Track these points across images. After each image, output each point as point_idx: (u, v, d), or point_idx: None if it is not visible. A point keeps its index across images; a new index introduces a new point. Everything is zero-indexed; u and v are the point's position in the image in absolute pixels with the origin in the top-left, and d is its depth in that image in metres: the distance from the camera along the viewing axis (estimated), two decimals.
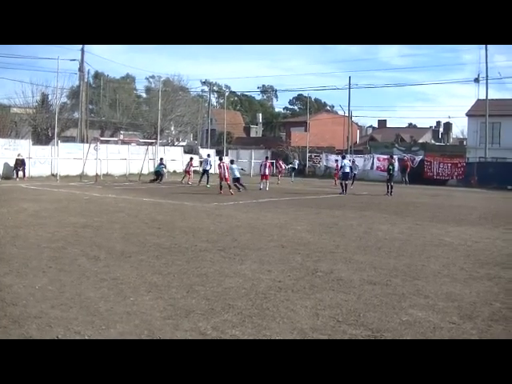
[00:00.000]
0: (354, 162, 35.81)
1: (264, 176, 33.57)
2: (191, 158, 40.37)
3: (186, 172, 38.98)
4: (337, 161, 32.50)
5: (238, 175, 30.58)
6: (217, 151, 56.21)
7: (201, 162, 47.77)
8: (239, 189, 29.81)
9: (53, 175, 38.62)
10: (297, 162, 52.30)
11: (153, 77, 73.84)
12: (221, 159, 32.09)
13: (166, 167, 40.35)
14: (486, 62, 48.34)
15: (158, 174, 38.76)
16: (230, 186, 29.26)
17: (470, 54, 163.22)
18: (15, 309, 7.28)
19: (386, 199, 29.53)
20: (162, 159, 40.28)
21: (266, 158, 38.41)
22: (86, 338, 6.21)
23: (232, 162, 32.55)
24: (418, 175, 46.58)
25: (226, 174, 29.52)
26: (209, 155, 40.04)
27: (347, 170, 28.10)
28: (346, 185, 28.81)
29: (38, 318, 6.92)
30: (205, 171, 36.10)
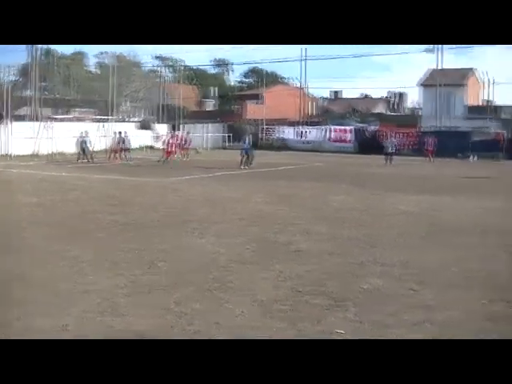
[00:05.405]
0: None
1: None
2: (120, 133, 36.01)
3: (114, 150, 35.30)
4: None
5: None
6: (172, 126, 55.62)
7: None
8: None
9: (5, 155, 37.75)
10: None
11: (106, 52, 72.17)
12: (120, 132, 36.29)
13: (90, 143, 34.82)
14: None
15: (84, 151, 33.85)
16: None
17: None
18: None
19: (343, 170, 29.76)
20: (86, 132, 35.23)
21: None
22: (49, 317, 6.15)
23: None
24: (372, 145, 46.57)
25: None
26: (126, 132, 37.16)
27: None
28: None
29: None
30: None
